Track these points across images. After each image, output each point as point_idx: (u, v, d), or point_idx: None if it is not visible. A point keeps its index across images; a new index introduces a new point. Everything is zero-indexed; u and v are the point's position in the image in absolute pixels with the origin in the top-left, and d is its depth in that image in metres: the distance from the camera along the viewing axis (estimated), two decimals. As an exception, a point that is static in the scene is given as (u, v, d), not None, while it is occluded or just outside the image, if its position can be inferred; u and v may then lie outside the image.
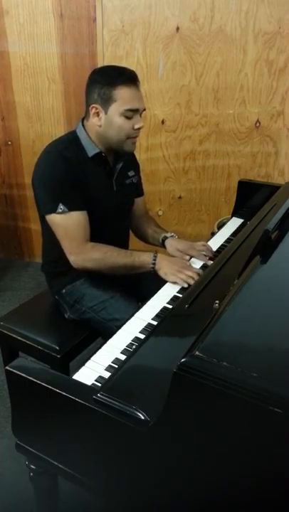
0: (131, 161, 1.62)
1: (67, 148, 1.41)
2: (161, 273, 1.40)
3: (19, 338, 1.53)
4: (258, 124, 2.17)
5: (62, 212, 1.38)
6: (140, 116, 1.41)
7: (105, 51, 2.17)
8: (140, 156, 2.36)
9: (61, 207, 1.37)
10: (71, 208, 1.38)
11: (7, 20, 2.24)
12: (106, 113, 1.37)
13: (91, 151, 1.43)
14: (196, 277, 1.36)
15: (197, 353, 0.75)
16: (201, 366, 0.74)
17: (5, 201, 2.74)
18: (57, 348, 1.47)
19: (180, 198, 2.45)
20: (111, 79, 1.34)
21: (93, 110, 1.38)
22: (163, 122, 2.27)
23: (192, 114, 2.22)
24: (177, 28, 2.06)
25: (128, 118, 1.37)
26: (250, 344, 0.83)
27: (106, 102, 1.35)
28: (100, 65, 2.20)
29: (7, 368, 0.99)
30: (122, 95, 1.34)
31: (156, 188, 2.42)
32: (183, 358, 0.75)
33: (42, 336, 1.52)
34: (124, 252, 1.44)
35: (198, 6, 2.00)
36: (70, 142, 1.43)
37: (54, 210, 1.38)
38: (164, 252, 1.62)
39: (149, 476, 0.91)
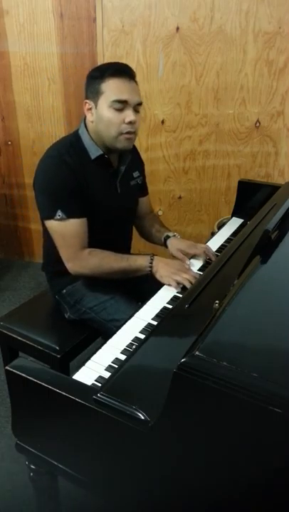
0: (136, 161, 1.59)
1: (68, 152, 1.37)
2: (158, 276, 1.40)
3: (19, 338, 1.53)
4: (258, 124, 2.17)
5: (61, 219, 1.36)
6: (134, 110, 1.34)
7: (105, 51, 2.17)
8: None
9: (59, 213, 1.35)
10: (69, 215, 1.36)
11: (7, 20, 2.24)
12: (96, 107, 1.34)
13: (94, 153, 1.40)
14: (193, 280, 1.35)
15: (197, 353, 0.75)
16: (201, 366, 0.74)
17: (5, 201, 2.74)
18: (57, 348, 1.47)
19: (180, 198, 2.45)
20: (101, 72, 1.32)
21: (86, 106, 1.36)
22: (163, 122, 2.27)
23: (192, 114, 2.22)
24: (177, 28, 2.06)
25: (117, 110, 1.31)
26: (250, 344, 0.83)
27: (96, 95, 1.32)
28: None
29: (7, 367, 0.99)
30: (110, 86, 1.30)
31: (156, 188, 2.42)
32: (183, 358, 0.75)
33: (42, 336, 1.52)
34: (120, 257, 1.42)
35: (198, 6, 2.00)
36: (71, 145, 1.40)
37: (52, 217, 1.36)
38: (164, 252, 1.62)
39: (149, 476, 0.91)
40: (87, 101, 1.35)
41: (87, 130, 1.41)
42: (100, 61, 2.20)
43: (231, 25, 2.00)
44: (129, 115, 1.32)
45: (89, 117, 1.37)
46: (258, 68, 2.06)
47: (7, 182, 2.67)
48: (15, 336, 1.54)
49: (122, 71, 1.32)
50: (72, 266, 1.43)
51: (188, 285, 1.34)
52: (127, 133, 1.35)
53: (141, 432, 0.84)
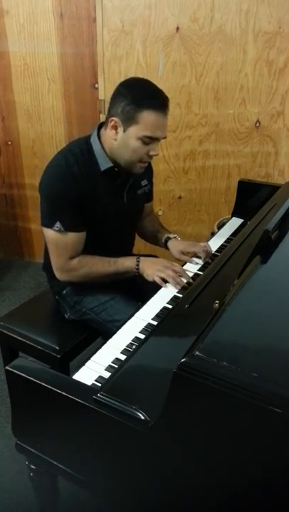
0: (146, 169, 1.54)
1: (77, 160, 1.34)
2: (144, 275, 1.42)
3: (19, 338, 1.53)
4: (258, 124, 2.17)
5: (58, 231, 1.35)
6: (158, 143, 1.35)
7: (105, 51, 2.17)
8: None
9: (58, 225, 1.34)
10: (68, 228, 1.35)
11: (7, 20, 2.24)
12: (124, 131, 1.30)
13: (104, 165, 1.37)
14: (177, 276, 1.37)
15: (197, 353, 0.75)
16: (201, 366, 0.74)
17: (5, 201, 2.73)
18: (57, 348, 1.47)
19: (180, 198, 2.45)
20: (140, 99, 1.26)
21: (112, 123, 1.30)
22: (163, 122, 2.27)
23: (192, 114, 2.22)
24: (177, 28, 2.06)
25: (145, 143, 1.30)
26: (250, 344, 0.83)
27: (128, 120, 1.28)
28: (100, 65, 2.20)
29: (7, 367, 0.99)
30: (146, 120, 1.27)
31: (156, 188, 2.38)
32: (183, 358, 0.75)
33: (42, 336, 1.52)
34: (108, 262, 1.43)
35: (198, 6, 2.00)
36: (82, 153, 1.36)
37: (51, 226, 1.35)
38: (164, 253, 1.63)
39: (149, 476, 0.91)
40: (114, 119, 1.29)
41: (100, 140, 1.38)
42: (100, 61, 2.19)
43: (231, 25, 2.00)
44: (154, 149, 1.33)
45: (111, 135, 1.32)
46: (258, 68, 2.06)
47: (7, 182, 2.67)
48: (15, 335, 1.54)
49: (161, 106, 1.29)
50: (60, 275, 1.45)
51: (172, 282, 1.36)
52: (146, 161, 1.37)
53: (141, 432, 0.84)
